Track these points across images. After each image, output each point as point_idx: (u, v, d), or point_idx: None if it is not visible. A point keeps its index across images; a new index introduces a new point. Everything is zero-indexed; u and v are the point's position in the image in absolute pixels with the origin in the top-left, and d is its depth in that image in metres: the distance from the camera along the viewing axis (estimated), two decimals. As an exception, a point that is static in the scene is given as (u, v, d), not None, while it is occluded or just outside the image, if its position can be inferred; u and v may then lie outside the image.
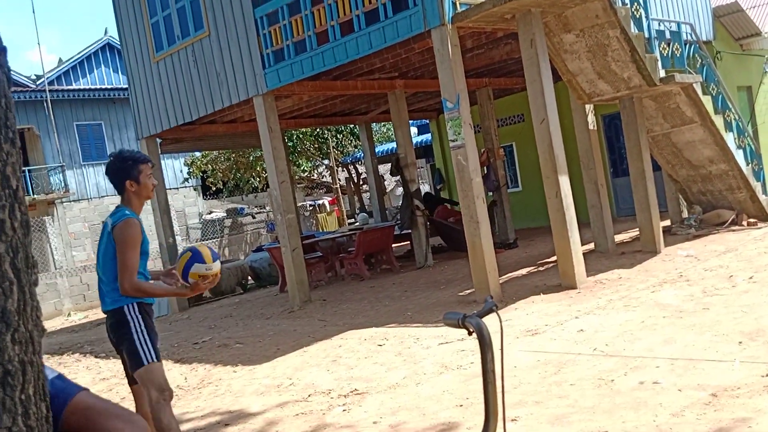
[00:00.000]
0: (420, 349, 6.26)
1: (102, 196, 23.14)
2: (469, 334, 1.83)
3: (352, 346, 6.89)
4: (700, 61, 10.24)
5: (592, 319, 6.27)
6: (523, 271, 9.70)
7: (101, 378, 7.70)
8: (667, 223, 11.27)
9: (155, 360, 3.68)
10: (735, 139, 10.38)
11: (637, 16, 8.76)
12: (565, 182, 7.89)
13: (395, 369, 5.78)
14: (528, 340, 5.90)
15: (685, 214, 11.35)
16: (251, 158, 22.59)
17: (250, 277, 14.85)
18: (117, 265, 3.57)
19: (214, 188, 25.88)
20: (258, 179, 24.36)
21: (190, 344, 8.77)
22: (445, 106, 7.91)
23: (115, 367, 8.15)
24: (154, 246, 19.38)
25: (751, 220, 10.46)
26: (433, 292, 9.25)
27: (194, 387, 6.53)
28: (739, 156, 10.23)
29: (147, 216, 20.50)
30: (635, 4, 8.76)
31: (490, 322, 1.87)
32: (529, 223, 15.27)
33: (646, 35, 8.83)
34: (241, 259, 17.30)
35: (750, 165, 10.54)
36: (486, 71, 12.35)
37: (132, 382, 3.83)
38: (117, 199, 3.83)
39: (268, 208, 26.80)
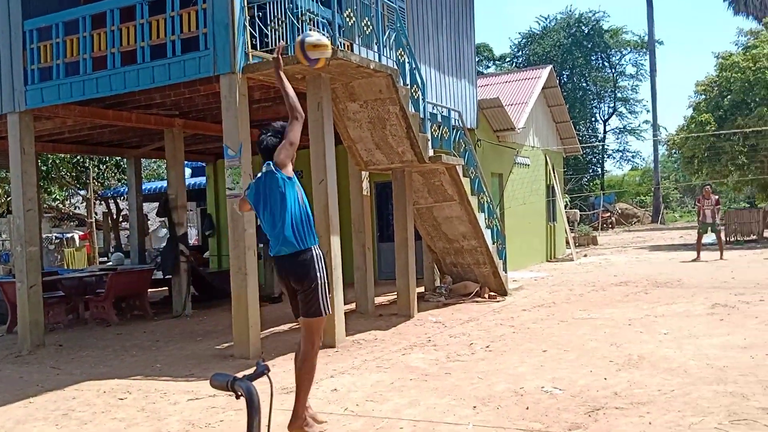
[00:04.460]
0: (166, 405, 5.89)
1: None
2: (237, 398, 1.73)
3: (89, 399, 6.27)
4: (464, 145, 11.29)
5: (346, 379, 6.39)
6: (285, 327, 9.67)
7: None
8: (422, 289, 12.05)
9: (328, 312, 4.36)
10: (485, 219, 11.52)
11: (416, 97, 9.47)
12: (336, 242, 8.10)
13: (136, 426, 5.36)
14: (281, 398, 5.83)
15: (438, 283, 12.25)
16: (-8, 179, 20.08)
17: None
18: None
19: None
20: (-4, 203, 21.67)
21: None
22: (226, 153, 7.76)
23: None
24: None
25: (492, 293, 11.58)
26: (188, 344, 8.83)
27: None
28: (487, 235, 11.36)
29: None
30: (415, 86, 9.47)
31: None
32: (295, 279, 15.35)
33: (421, 116, 9.56)
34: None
35: (495, 244, 11.73)
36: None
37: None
38: None
39: (5, 236, 23.83)
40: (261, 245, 12.58)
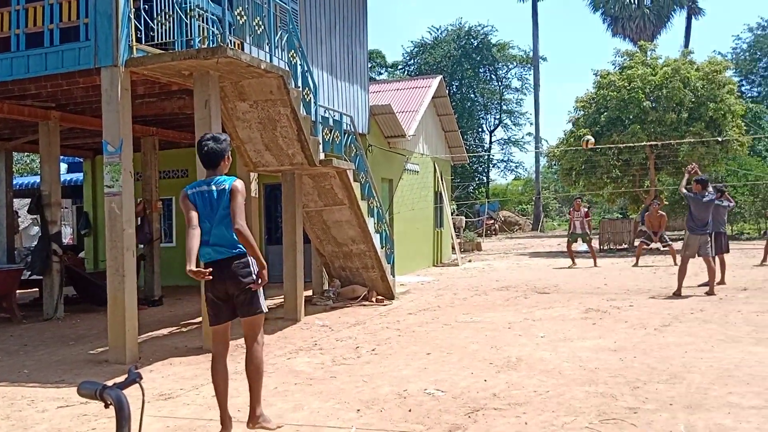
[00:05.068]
0: (34, 413, 5.55)
1: None
2: (106, 406, 1.65)
3: (-54, 408, 5.78)
4: (355, 150, 11.35)
5: (228, 384, 6.23)
6: (165, 331, 9.34)
7: None
8: (310, 293, 12.00)
9: (266, 309, 4.80)
10: (375, 224, 11.64)
11: (307, 100, 9.42)
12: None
13: (0, 437, 5.00)
14: (159, 405, 5.64)
15: (326, 286, 12.24)
16: None
17: None
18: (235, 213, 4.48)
19: None
20: None
21: None
22: (105, 149, 7.40)
23: None
24: None
25: (380, 297, 11.72)
26: (60, 348, 8.35)
27: None
28: (376, 239, 11.48)
29: None
30: (306, 88, 9.42)
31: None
32: (179, 281, 14.81)
33: (313, 119, 9.52)
34: None
35: (384, 248, 11.88)
36: (155, 120, 11.96)
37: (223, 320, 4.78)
38: None
39: None
40: (142, 246, 12.10)
